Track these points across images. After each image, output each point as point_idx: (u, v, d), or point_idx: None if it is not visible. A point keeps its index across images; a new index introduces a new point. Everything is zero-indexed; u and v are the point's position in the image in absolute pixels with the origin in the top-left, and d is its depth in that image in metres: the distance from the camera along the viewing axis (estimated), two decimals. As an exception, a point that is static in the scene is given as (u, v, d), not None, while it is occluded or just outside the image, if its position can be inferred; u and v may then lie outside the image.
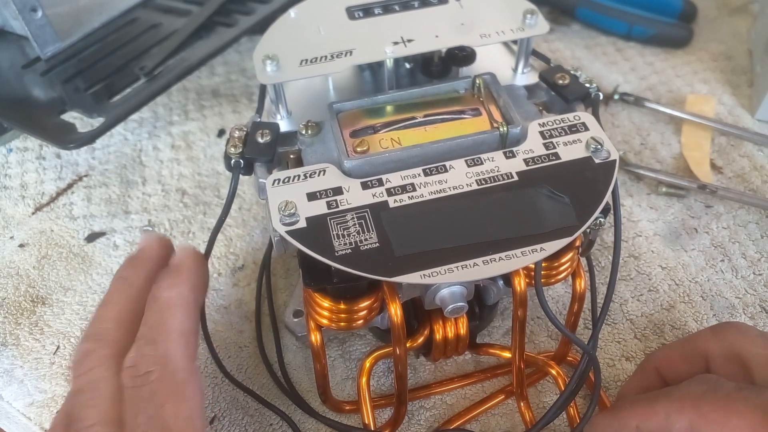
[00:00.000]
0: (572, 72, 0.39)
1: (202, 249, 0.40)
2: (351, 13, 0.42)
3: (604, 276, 0.46)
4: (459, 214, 0.33)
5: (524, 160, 0.35)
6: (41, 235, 0.51)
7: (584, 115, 0.37)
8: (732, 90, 0.60)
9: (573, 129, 0.36)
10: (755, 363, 0.33)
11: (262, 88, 0.42)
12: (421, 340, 0.38)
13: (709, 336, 0.36)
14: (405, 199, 0.33)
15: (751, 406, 0.30)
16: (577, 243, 0.36)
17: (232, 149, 0.36)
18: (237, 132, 0.37)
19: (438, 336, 0.38)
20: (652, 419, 0.33)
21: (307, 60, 0.39)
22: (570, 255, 0.35)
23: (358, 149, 0.35)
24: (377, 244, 0.31)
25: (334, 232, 0.32)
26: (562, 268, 0.36)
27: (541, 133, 0.36)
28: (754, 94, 0.58)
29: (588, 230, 0.33)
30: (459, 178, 0.34)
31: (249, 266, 0.48)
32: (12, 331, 0.45)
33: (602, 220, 0.35)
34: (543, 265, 0.35)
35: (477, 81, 0.39)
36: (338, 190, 0.34)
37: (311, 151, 0.37)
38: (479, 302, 0.39)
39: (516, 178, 0.34)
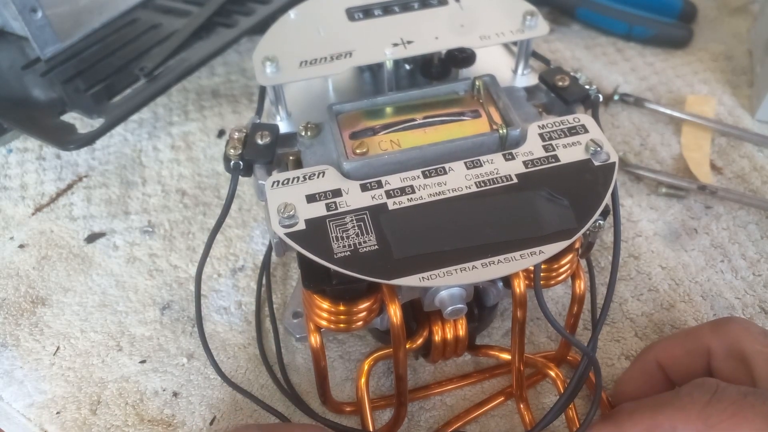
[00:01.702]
0: (572, 74, 0.39)
1: (202, 249, 0.40)
2: (351, 14, 0.42)
3: (604, 276, 0.46)
4: (458, 216, 0.33)
5: (523, 162, 0.35)
6: (41, 236, 0.51)
7: (584, 117, 0.36)
8: (732, 90, 0.60)
9: (572, 131, 0.36)
10: (757, 361, 0.33)
11: (262, 90, 0.42)
12: (420, 341, 0.38)
13: (712, 331, 0.36)
14: (404, 201, 0.33)
15: (759, 413, 0.29)
16: (577, 245, 0.36)
17: (232, 151, 0.36)
18: (236, 133, 0.37)
19: (437, 338, 0.38)
20: (657, 431, 0.32)
21: (306, 61, 0.39)
22: (569, 257, 0.35)
23: (358, 151, 0.35)
24: (376, 247, 0.31)
25: (333, 235, 0.32)
26: (561, 270, 0.36)
27: (541, 135, 0.36)
28: (754, 95, 0.58)
29: (587, 232, 0.33)
30: (458, 180, 0.34)
31: (249, 267, 0.48)
32: (12, 331, 0.45)
33: (602, 222, 0.35)
34: (542, 267, 0.35)
35: (477, 83, 0.39)
36: (337, 192, 0.34)
37: (311, 153, 0.37)
38: (478, 304, 0.39)
39: (515, 180, 0.34)
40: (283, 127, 0.40)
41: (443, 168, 0.34)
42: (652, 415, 0.32)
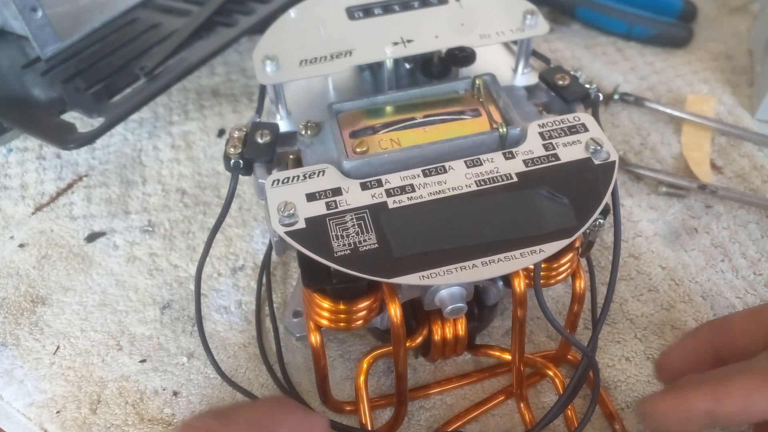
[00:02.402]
0: (572, 73, 0.39)
1: (202, 249, 0.40)
2: (351, 13, 0.42)
3: (604, 276, 0.46)
4: (458, 215, 0.33)
5: (524, 161, 0.35)
6: (41, 235, 0.51)
7: (584, 116, 0.36)
8: (732, 90, 0.60)
9: (573, 130, 0.36)
10: None
11: (262, 89, 0.42)
12: (419, 340, 0.38)
13: None
14: (404, 200, 0.33)
15: None
16: (577, 244, 0.36)
17: (232, 149, 0.36)
18: (237, 132, 0.37)
19: (436, 337, 0.38)
20: (728, 401, 0.28)
21: (306, 60, 0.39)
22: (569, 256, 0.35)
23: (358, 150, 0.35)
24: (376, 245, 0.31)
25: (333, 233, 0.32)
26: (561, 269, 0.36)
27: (541, 134, 0.36)
28: (754, 94, 0.58)
29: (587, 231, 0.33)
30: (458, 179, 0.34)
31: (249, 266, 0.48)
32: (12, 331, 0.45)
33: (602, 221, 0.35)
34: (542, 266, 0.35)
35: (477, 81, 0.39)
36: (337, 191, 0.34)
37: (311, 152, 0.37)
38: (478, 303, 0.39)
39: (515, 179, 0.34)
40: (283, 126, 0.40)
41: (443, 167, 0.34)
42: (725, 383, 0.29)
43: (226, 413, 0.32)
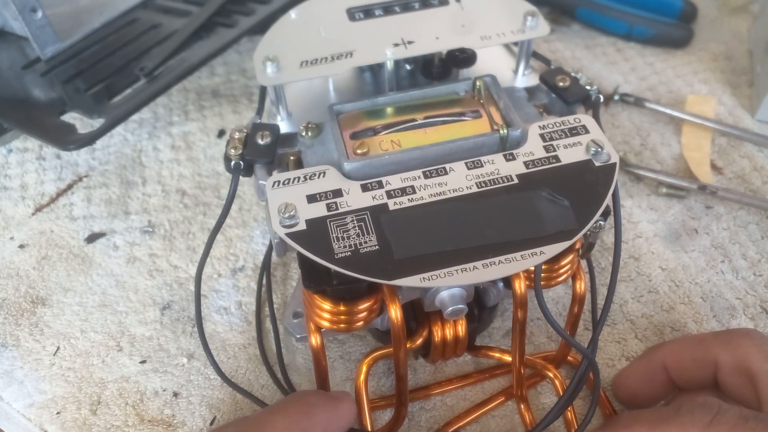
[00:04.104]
0: (573, 74, 0.39)
1: (202, 249, 0.40)
2: (351, 14, 0.42)
3: (604, 277, 0.46)
4: (459, 216, 0.33)
5: (524, 162, 0.35)
6: (41, 236, 0.51)
7: (585, 118, 0.36)
8: (732, 90, 0.60)
9: (573, 131, 0.36)
10: (764, 381, 0.32)
11: (263, 90, 0.42)
12: (419, 341, 0.38)
13: (723, 342, 0.35)
14: (405, 201, 0.33)
15: None
16: (577, 246, 0.36)
17: (232, 150, 0.36)
18: (237, 133, 0.37)
19: (437, 338, 0.38)
20: None
21: (307, 61, 0.39)
22: (570, 258, 0.35)
23: (358, 151, 0.35)
24: (377, 247, 0.31)
25: (334, 235, 0.32)
26: (562, 271, 0.36)
27: (542, 135, 0.36)
28: (754, 95, 0.58)
29: (588, 233, 0.33)
30: (459, 180, 0.34)
31: (249, 267, 0.48)
32: (12, 332, 0.45)
33: (602, 222, 0.35)
34: (543, 267, 0.35)
35: (477, 83, 0.39)
36: (338, 192, 0.34)
37: (311, 153, 0.37)
38: (479, 304, 0.39)
39: (516, 180, 0.34)
40: (284, 127, 0.40)
41: (444, 168, 0.34)
42: (650, 430, 0.32)
43: (254, 425, 0.32)
